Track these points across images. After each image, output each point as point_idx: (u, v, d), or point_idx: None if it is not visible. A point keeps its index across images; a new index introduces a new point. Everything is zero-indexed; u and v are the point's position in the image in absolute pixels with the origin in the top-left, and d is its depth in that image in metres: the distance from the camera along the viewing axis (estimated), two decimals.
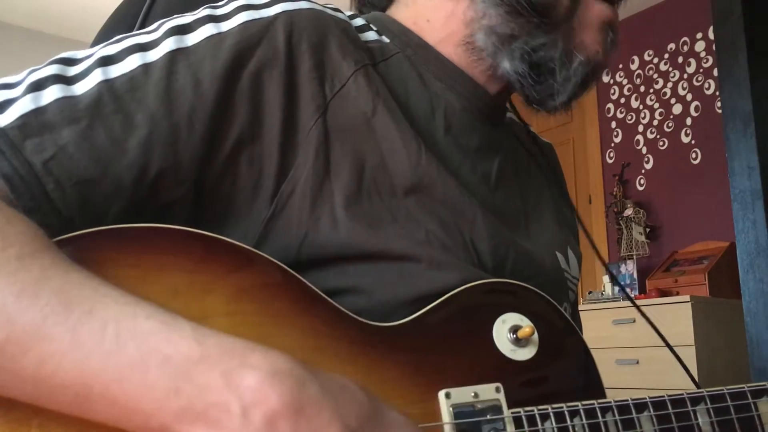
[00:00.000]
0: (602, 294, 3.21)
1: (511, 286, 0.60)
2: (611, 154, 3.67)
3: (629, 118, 3.60)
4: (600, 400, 0.53)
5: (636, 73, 3.59)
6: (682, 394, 0.55)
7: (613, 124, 3.67)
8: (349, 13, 0.69)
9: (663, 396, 0.54)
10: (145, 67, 0.55)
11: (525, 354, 0.57)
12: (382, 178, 0.59)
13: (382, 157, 0.60)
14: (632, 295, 3.13)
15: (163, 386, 0.39)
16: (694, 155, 3.28)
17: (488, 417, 0.52)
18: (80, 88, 0.53)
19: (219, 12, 0.60)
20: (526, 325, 0.57)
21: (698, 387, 0.58)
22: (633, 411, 0.53)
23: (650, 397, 0.54)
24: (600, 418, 0.53)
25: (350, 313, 0.53)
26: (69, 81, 0.53)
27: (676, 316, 2.66)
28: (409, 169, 0.60)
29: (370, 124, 0.60)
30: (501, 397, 0.53)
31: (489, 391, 0.53)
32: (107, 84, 0.53)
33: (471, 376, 0.54)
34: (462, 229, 0.62)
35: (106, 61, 0.55)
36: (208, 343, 0.41)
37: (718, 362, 2.63)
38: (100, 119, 0.52)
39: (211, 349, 0.40)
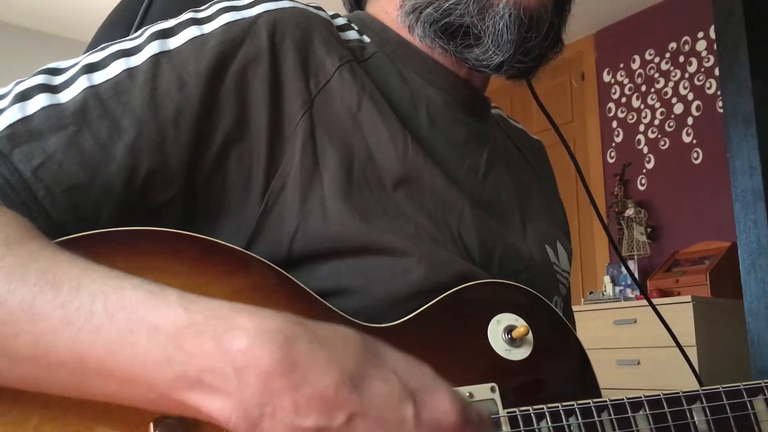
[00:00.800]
0: (603, 294, 3.21)
1: (505, 287, 0.60)
2: (612, 154, 3.66)
3: (630, 117, 3.59)
4: (596, 399, 0.53)
5: (637, 72, 3.58)
6: (678, 393, 0.54)
7: (614, 124, 3.66)
8: (331, 12, 0.69)
9: (659, 394, 0.54)
10: (130, 72, 0.55)
11: (520, 354, 0.56)
12: (370, 171, 0.60)
13: (370, 151, 0.60)
14: (633, 296, 3.13)
15: (155, 356, 0.40)
16: (695, 155, 3.27)
17: None
18: (66, 96, 0.53)
19: (201, 15, 0.61)
20: (521, 325, 0.56)
21: (702, 386, 0.58)
22: (629, 410, 0.53)
23: (646, 396, 0.54)
24: (596, 417, 0.52)
25: (344, 314, 0.53)
26: (55, 89, 0.54)
27: (678, 317, 2.65)
28: (396, 161, 0.61)
29: (356, 119, 0.60)
30: (496, 396, 0.53)
31: (484, 391, 0.53)
32: (93, 90, 0.54)
33: (466, 376, 0.54)
34: (450, 222, 0.62)
35: (90, 68, 0.56)
36: (194, 308, 0.41)
37: (719, 363, 2.62)
38: (86, 125, 0.53)
39: (197, 315, 0.40)
